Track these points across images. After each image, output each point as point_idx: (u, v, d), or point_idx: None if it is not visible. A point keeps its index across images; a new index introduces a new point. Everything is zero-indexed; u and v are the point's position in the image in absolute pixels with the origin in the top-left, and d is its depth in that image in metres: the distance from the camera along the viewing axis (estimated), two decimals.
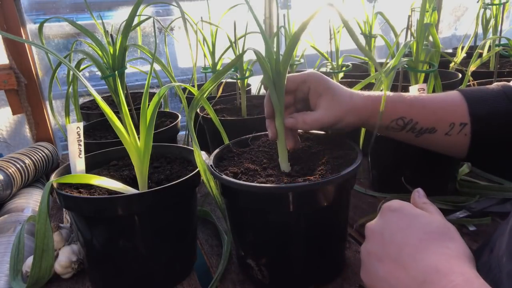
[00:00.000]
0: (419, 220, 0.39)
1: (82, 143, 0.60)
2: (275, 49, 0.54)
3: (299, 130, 0.66)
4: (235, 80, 0.98)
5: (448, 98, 0.60)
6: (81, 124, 0.59)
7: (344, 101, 0.57)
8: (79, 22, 0.86)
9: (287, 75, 0.56)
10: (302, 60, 1.26)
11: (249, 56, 0.57)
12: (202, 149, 0.57)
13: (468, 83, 0.91)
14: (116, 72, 0.79)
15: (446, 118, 0.58)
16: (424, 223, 0.39)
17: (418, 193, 0.46)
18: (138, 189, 0.58)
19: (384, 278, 0.39)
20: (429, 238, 0.37)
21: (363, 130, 0.71)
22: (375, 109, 0.58)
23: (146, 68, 1.13)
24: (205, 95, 0.57)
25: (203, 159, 0.56)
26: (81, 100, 1.20)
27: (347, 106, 0.57)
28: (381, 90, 0.63)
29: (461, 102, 0.58)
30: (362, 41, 1.22)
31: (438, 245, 0.37)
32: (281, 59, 0.53)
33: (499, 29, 1.12)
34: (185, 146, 0.70)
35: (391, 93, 0.61)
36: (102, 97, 0.53)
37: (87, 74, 1.38)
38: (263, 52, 0.53)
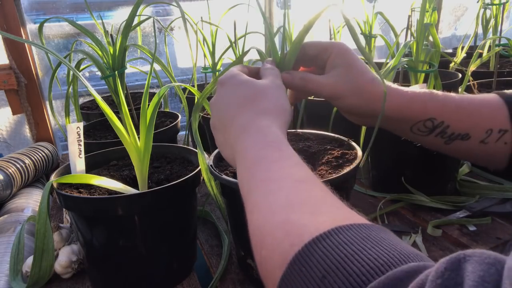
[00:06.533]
0: (240, 89, 0.44)
1: (82, 143, 0.60)
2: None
3: (299, 130, 0.66)
4: None
5: (485, 100, 0.51)
6: (81, 124, 0.59)
7: (358, 80, 0.49)
8: (79, 22, 0.86)
9: (308, 41, 0.51)
10: None
11: (249, 56, 0.56)
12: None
13: (468, 83, 0.91)
14: (116, 72, 0.79)
15: (482, 123, 0.49)
16: (243, 90, 0.44)
17: (267, 62, 0.51)
18: (138, 189, 0.58)
19: (220, 145, 0.47)
20: (245, 102, 0.43)
21: (363, 129, 0.71)
22: (404, 106, 0.49)
23: (146, 68, 1.13)
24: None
25: (204, 158, 0.56)
26: (81, 100, 1.20)
27: (361, 87, 0.49)
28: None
29: (501, 106, 0.49)
30: (362, 41, 1.21)
31: (250, 107, 0.42)
32: (286, 58, 0.51)
33: (499, 29, 1.12)
34: (185, 146, 0.70)
35: (422, 90, 0.52)
36: (102, 97, 0.53)
37: (87, 74, 1.38)
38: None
